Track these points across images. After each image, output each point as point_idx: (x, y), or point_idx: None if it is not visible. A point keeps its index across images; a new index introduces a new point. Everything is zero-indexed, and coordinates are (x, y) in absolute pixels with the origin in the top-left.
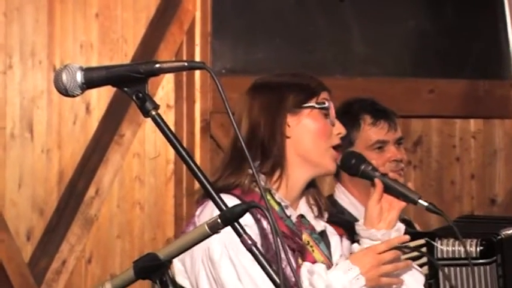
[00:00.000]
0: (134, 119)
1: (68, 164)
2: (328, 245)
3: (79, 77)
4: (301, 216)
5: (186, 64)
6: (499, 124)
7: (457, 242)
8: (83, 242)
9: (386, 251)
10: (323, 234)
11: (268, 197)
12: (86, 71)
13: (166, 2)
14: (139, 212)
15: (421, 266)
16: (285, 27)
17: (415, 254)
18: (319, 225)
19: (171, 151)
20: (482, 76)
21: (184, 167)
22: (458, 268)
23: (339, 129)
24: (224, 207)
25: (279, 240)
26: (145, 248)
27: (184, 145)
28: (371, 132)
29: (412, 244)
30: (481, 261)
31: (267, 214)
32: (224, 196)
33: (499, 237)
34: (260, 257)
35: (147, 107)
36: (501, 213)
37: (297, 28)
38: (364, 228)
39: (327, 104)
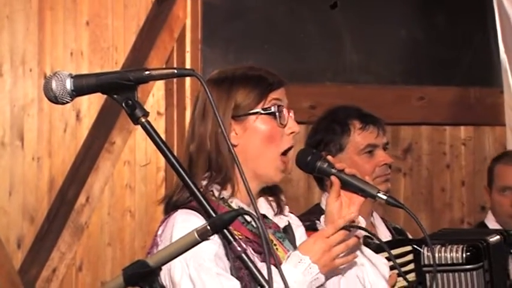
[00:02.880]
0: (125, 126)
1: (58, 171)
2: (293, 241)
3: (69, 84)
4: (264, 216)
5: (175, 71)
6: (490, 131)
7: (443, 248)
8: (74, 249)
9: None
10: (287, 229)
11: (226, 205)
12: (76, 78)
13: (157, 10)
14: (130, 220)
15: (408, 272)
16: (276, 34)
17: (403, 260)
18: (282, 221)
19: (162, 158)
20: (473, 83)
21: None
22: (445, 274)
23: (292, 127)
24: (214, 215)
25: (268, 245)
26: (136, 256)
27: (175, 152)
28: (361, 136)
29: (399, 251)
30: (467, 267)
31: (256, 221)
32: (182, 212)
33: (486, 243)
34: (249, 263)
35: (136, 114)
36: None
37: (287, 35)
38: (325, 228)
39: (273, 109)
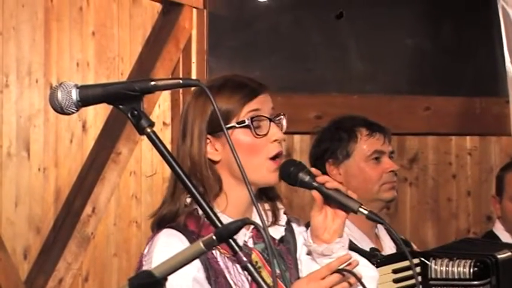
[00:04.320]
0: (131, 137)
1: (64, 182)
2: (286, 252)
3: (74, 94)
4: (257, 230)
5: (181, 81)
6: (495, 141)
7: (451, 263)
8: (80, 260)
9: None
10: (286, 238)
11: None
12: (81, 88)
13: (163, 20)
14: (136, 230)
15: (413, 286)
16: (282, 44)
17: (407, 274)
18: (278, 231)
19: (168, 169)
20: (478, 93)
21: None
22: None
23: (275, 135)
24: (220, 225)
25: (274, 257)
26: None
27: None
28: (368, 143)
29: (406, 263)
30: (474, 282)
31: (262, 232)
32: (165, 234)
33: (494, 259)
34: (255, 273)
35: (142, 124)
36: None
37: (293, 46)
38: (308, 243)
39: (247, 122)
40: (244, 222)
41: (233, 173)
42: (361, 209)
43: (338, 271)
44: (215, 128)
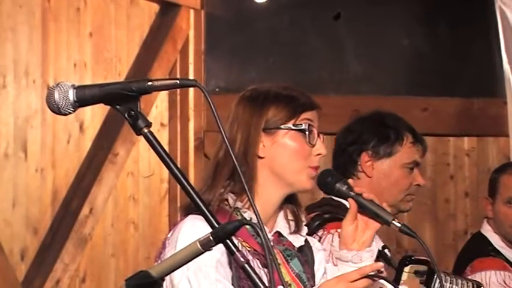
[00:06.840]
0: (128, 137)
1: (62, 183)
2: (304, 262)
3: (71, 95)
4: (279, 234)
5: (178, 82)
6: (493, 142)
7: (454, 280)
8: (77, 261)
9: (359, 278)
10: (304, 250)
11: (239, 215)
12: (78, 89)
13: (160, 21)
14: (133, 231)
15: None
16: (279, 45)
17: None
18: (298, 240)
19: (165, 170)
20: (476, 94)
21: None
22: None
23: (320, 149)
24: (216, 225)
25: (271, 257)
26: (139, 267)
27: (178, 164)
28: (410, 151)
29: (415, 268)
30: None
31: (259, 232)
32: (192, 217)
33: None
34: (252, 274)
35: (139, 124)
36: None
37: (291, 46)
38: (336, 250)
39: (304, 126)
40: (242, 223)
41: (274, 170)
42: (394, 222)
43: (369, 277)
44: (269, 125)
